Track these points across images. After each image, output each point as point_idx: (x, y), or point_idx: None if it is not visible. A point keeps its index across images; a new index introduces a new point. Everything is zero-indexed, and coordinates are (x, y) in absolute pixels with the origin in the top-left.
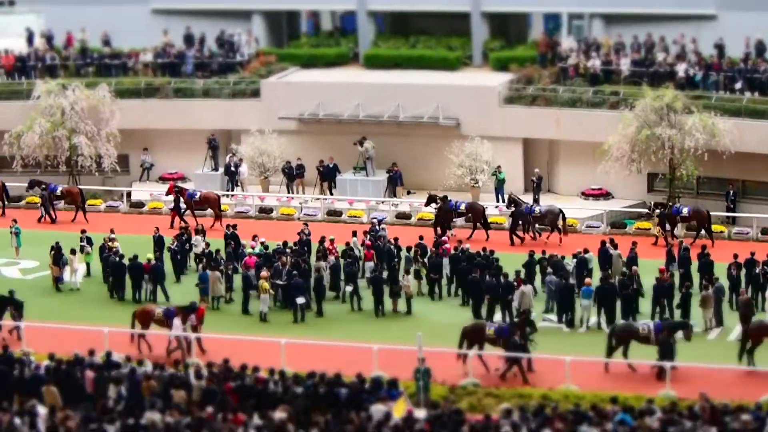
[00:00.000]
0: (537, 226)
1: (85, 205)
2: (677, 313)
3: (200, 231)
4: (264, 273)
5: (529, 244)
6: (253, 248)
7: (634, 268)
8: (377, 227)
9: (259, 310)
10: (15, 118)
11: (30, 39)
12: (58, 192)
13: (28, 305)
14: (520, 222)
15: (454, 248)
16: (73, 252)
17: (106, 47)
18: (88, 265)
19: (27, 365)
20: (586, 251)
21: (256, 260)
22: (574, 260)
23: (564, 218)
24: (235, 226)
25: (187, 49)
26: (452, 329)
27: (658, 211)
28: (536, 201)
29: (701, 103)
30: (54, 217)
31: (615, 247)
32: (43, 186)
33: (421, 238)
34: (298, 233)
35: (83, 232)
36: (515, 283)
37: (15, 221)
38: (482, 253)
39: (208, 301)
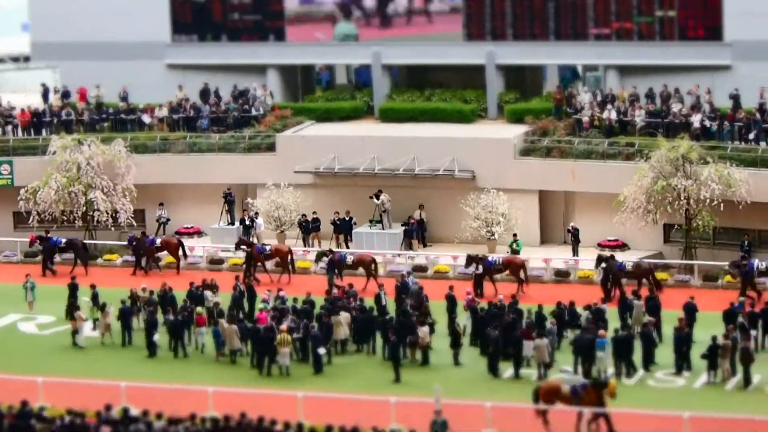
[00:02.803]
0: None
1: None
2: (700, 363)
3: (213, 286)
4: (284, 326)
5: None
6: (265, 301)
7: (652, 318)
8: (407, 279)
9: (280, 364)
10: (31, 174)
11: (45, 95)
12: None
13: (46, 361)
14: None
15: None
16: (77, 307)
17: (123, 102)
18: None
19: (43, 420)
20: (604, 301)
21: (270, 314)
22: (588, 312)
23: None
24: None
25: (203, 104)
26: (468, 381)
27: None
28: (575, 252)
29: (716, 153)
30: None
31: (638, 297)
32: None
33: (450, 288)
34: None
35: (93, 287)
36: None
37: (29, 275)
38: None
39: (225, 354)
